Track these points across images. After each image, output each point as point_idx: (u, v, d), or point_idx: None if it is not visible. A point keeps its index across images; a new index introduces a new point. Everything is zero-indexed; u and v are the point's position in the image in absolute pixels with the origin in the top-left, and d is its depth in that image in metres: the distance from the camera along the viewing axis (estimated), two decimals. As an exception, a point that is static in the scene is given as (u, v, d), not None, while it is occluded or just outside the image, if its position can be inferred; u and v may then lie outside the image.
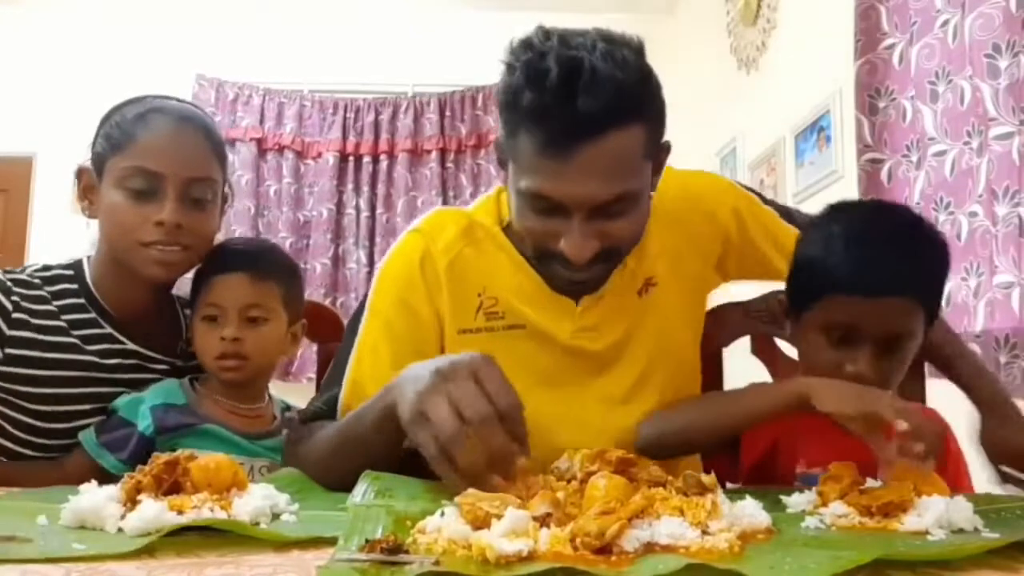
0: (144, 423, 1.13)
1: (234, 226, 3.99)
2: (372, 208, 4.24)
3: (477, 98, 4.29)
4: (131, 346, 1.21)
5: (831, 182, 2.73)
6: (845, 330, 0.99)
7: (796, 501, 0.79)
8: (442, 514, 0.63)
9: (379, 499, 0.74)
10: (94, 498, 0.70)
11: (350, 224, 4.20)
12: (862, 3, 2.23)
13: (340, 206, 4.23)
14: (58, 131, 3.87)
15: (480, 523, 0.61)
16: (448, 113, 4.30)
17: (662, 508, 0.66)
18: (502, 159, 1.01)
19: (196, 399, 1.19)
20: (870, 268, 0.98)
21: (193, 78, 4.19)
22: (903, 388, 1.21)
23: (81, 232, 1.21)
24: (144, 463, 0.76)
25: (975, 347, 1.78)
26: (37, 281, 1.18)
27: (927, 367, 1.26)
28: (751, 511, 0.68)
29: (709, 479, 0.71)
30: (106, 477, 0.92)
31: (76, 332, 1.16)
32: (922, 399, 1.28)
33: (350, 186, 4.24)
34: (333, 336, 1.33)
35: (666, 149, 1.01)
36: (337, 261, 4.19)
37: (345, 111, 4.27)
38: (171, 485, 0.73)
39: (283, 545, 0.64)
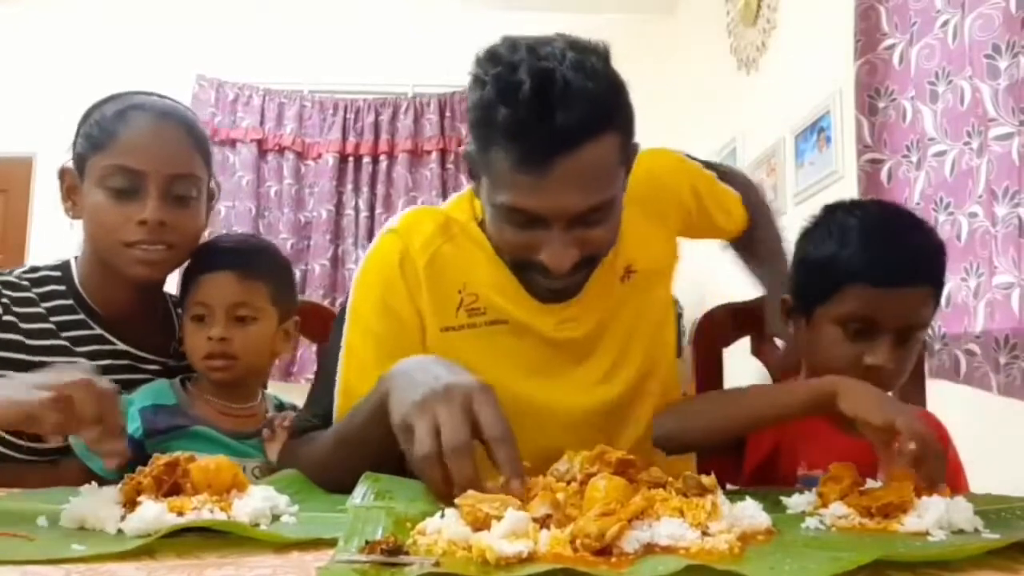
0: (133, 425, 1.12)
1: (235, 227, 3.99)
2: (372, 209, 4.24)
3: (477, 98, 4.29)
4: (122, 347, 1.20)
5: (831, 182, 2.73)
6: (864, 322, 1.01)
7: (796, 502, 0.79)
8: (442, 515, 0.63)
9: (379, 500, 0.74)
10: (94, 499, 0.70)
11: (350, 225, 4.20)
12: (862, 3, 2.23)
13: (340, 207, 4.23)
14: (58, 131, 3.85)
15: (480, 524, 0.61)
16: (448, 114, 4.30)
17: (662, 509, 0.66)
18: (472, 172, 1.01)
19: (187, 399, 1.18)
20: (890, 259, 1.00)
21: (193, 78, 4.19)
22: (903, 389, 1.21)
23: (78, 232, 1.20)
24: (134, 466, 0.76)
25: (975, 347, 1.79)
26: (25, 283, 1.17)
27: (927, 367, 1.26)
28: (751, 512, 0.68)
29: (709, 480, 0.71)
30: (104, 479, 0.91)
31: (65, 334, 1.15)
32: (922, 400, 1.28)
33: (350, 187, 4.24)
34: (333, 336, 1.33)
35: (636, 150, 1.01)
36: (336, 262, 4.19)
37: (345, 111, 4.27)
38: (171, 486, 0.73)
39: (283, 546, 0.64)
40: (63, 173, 1.19)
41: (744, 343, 1.38)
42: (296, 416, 1.14)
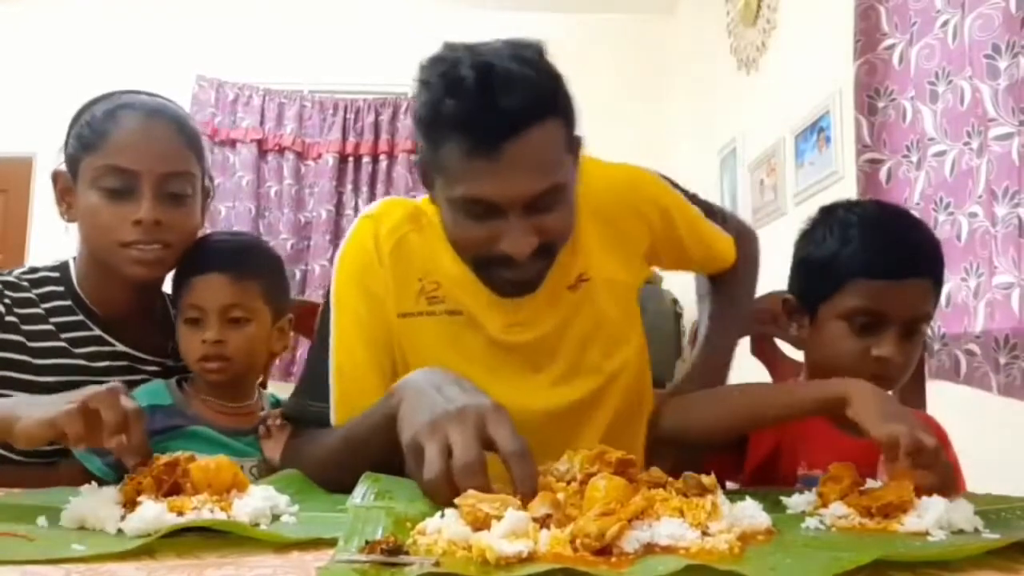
0: None
1: (235, 227, 4.00)
2: (372, 208, 4.24)
3: (477, 98, 4.29)
4: (121, 347, 1.19)
5: (831, 183, 2.74)
6: (870, 315, 1.01)
7: (796, 502, 0.79)
8: (442, 515, 0.63)
9: (379, 500, 0.74)
10: (94, 499, 0.70)
11: (349, 225, 4.19)
12: (862, 3, 2.23)
13: (340, 207, 4.23)
14: (58, 131, 3.85)
15: (480, 524, 0.61)
16: (448, 113, 4.30)
17: (662, 509, 0.66)
18: (425, 179, 1.03)
19: (183, 399, 1.18)
20: (894, 252, 1.02)
21: (193, 78, 4.20)
22: (903, 389, 1.21)
23: (76, 233, 1.19)
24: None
25: (975, 347, 1.79)
26: (25, 284, 1.17)
27: (927, 368, 1.26)
28: (751, 512, 0.68)
29: (709, 480, 0.71)
30: (103, 480, 0.91)
31: (65, 335, 1.15)
32: (922, 402, 1.28)
33: (350, 187, 4.25)
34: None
35: (580, 144, 1.03)
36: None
37: (345, 111, 4.27)
38: (171, 486, 0.73)
39: (283, 546, 0.64)
40: (56, 176, 1.18)
41: (744, 343, 1.38)
42: (286, 403, 1.13)
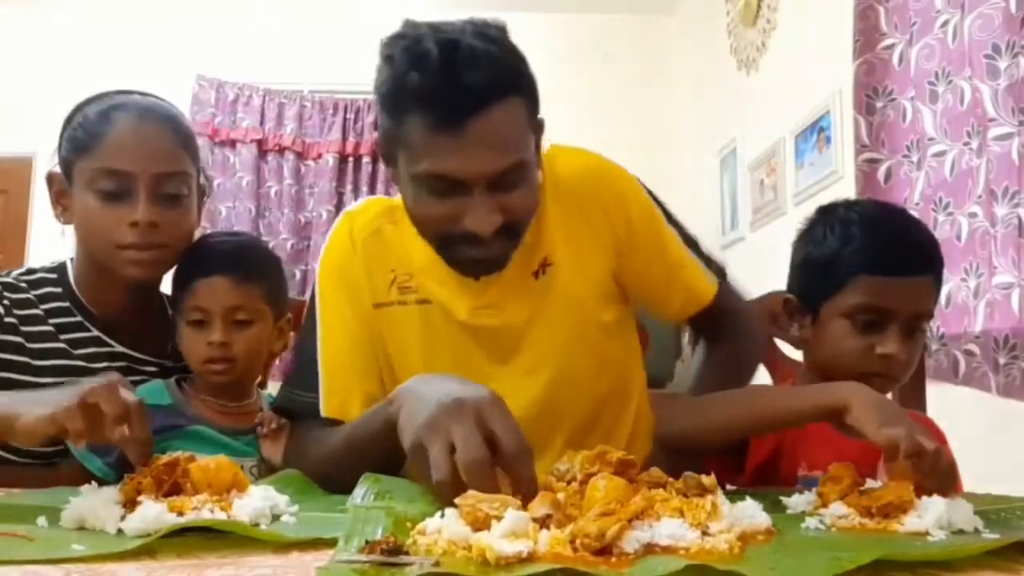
0: None
1: (236, 227, 3.99)
2: (372, 208, 4.24)
3: (477, 98, 4.29)
4: (119, 348, 1.19)
5: (831, 183, 2.74)
6: (874, 312, 1.02)
7: (796, 502, 0.79)
8: (442, 515, 0.63)
9: (379, 500, 0.74)
10: (94, 499, 0.70)
11: (349, 225, 4.20)
12: (861, 3, 2.23)
13: (340, 207, 4.22)
14: (58, 131, 3.87)
15: (480, 524, 0.61)
16: (448, 113, 4.30)
17: (662, 509, 0.66)
18: (387, 155, 1.02)
19: (183, 399, 1.18)
20: (896, 249, 1.02)
21: (193, 78, 4.19)
22: (902, 389, 1.21)
23: (73, 234, 1.19)
24: (131, 466, 0.76)
25: (974, 348, 1.79)
26: (23, 285, 1.16)
27: (926, 369, 1.26)
28: (751, 512, 0.68)
29: (709, 480, 0.71)
30: (103, 480, 0.91)
31: (64, 336, 1.15)
32: (921, 403, 1.28)
33: (350, 187, 4.24)
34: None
35: (542, 125, 1.03)
36: (336, 261, 4.19)
37: (345, 111, 4.27)
38: (171, 486, 0.73)
39: (283, 546, 0.64)
40: (51, 179, 1.17)
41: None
42: (277, 395, 1.14)
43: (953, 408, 1.17)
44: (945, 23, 1.98)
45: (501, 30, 0.97)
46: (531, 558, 0.56)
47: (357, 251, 1.10)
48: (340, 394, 1.05)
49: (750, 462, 1.05)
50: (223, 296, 1.16)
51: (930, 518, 0.68)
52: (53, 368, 1.13)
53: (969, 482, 1.04)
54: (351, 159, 4.27)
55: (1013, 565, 0.60)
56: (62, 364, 1.14)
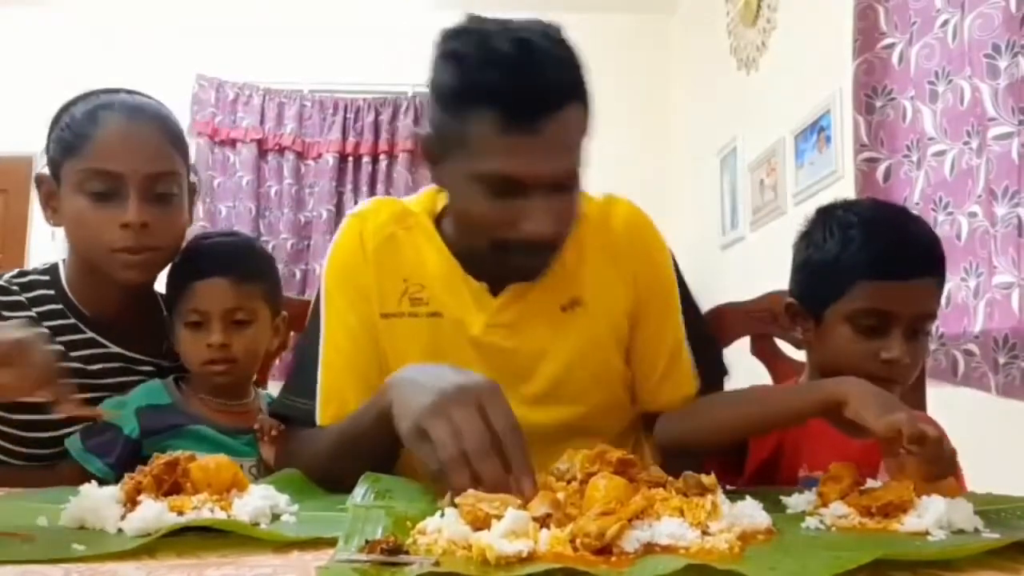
0: (129, 426, 1.12)
1: (236, 227, 3.99)
2: (372, 208, 4.24)
3: (477, 98, 4.29)
4: (115, 349, 1.18)
5: (831, 182, 2.73)
6: (877, 316, 1.01)
7: (796, 502, 0.79)
8: (442, 515, 0.63)
9: (379, 500, 0.74)
10: (94, 499, 0.70)
11: (349, 224, 4.20)
12: (861, 3, 2.23)
13: (340, 207, 4.23)
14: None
15: (480, 524, 0.61)
16: (448, 113, 4.30)
17: (662, 509, 0.66)
18: (436, 154, 1.00)
19: (181, 398, 1.18)
20: (898, 252, 1.01)
21: (193, 78, 4.19)
22: (902, 392, 1.21)
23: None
24: (132, 466, 0.76)
25: (973, 348, 1.78)
26: (15, 288, 1.15)
27: (926, 369, 1.26)
28: (751, 512, 0.68)
29: (709, 480, 0.71)
30: (103, 481, 0.91)
31: (58, 339, 1.13)
32: (922, 403, 1.28)
33: (350, 187, 4.25)
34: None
35: (590, 137, 1.03)
36: (336, 261, 4.19)
37: (345, 111, 4.27)
38: (171, 486, 0.73)
39: (283, 546, 0.64)
40: (40, 181, 1.16)
41: (744, 343, 1.38)
42: (275, 400, 1.14)
43: (953, 408, 1.17)
44: (945, 23, 1.98)
45: (563, 33, 0.96)
46: (531, 557, 0.56)
47: (368, 257, 1.07)
48: (337, 403, 1.03)
49: (750, 462, 1.05)
50: (222, 297, 1.16)
51: (930, 518, 0.68)
52: None
53: (969, 482, 1.04)
54: (351, 159, 4.26)
55: (1013, 565, 0.60)
56: (60, 367, 1.13)
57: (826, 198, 1.19)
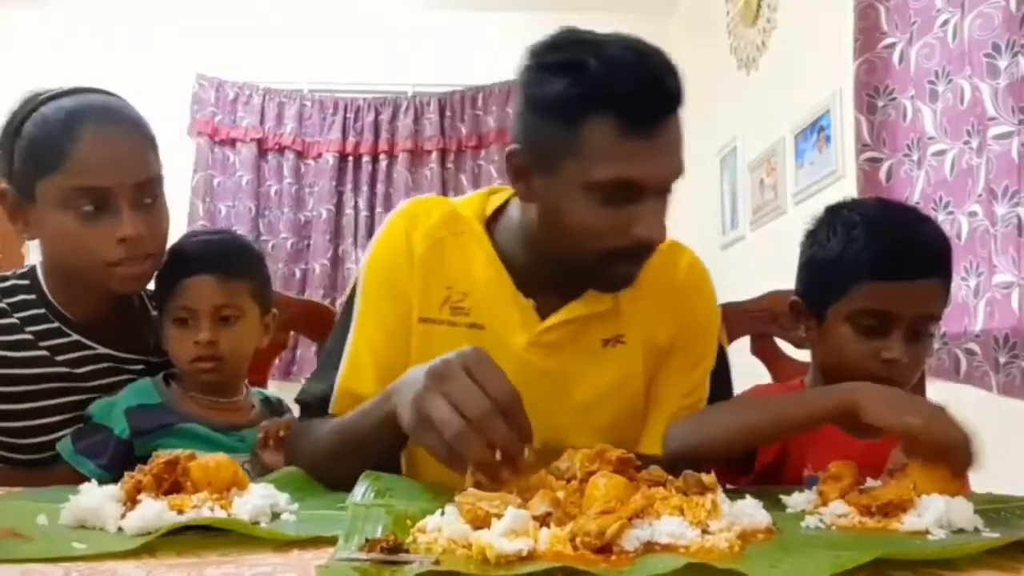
0: (119, 427, 1.11)
1: (235, 227, 3.99)
2: (372, 208, 4.25)
3: (477, 98, 4.30)
4: (102, 350, 1.16)
5: (831, 182, 2.73)
6: (878, 317, 1.01)
7: (796, 501, 0.79)
8: (442, 513, 0.63)
9: (379, 499, 0.74)
10: (94, 497, 0.70)
11: (349, 224, 4.21)
12: (861, 2, 2.23)
13: (340, 206, 4.23)
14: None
15: (480, 522, 0.61)
16: (448, 113, 4.31)
17: (662, 507, 0.66)
18: (540, 165, 0.97)
19: (172, 397, 1.17)
20: (901, 252, 1.01)
21: (193, 78, 4.20)
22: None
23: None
24: (124, 466, 0.75)
25: (974, 347, 1.79)
26: None
27: (926, 368, 1.26)
28: (751, 511, 0.68)
29: (709, 478, 0.71)
30: (98, 482, 0.91)
31: (44, 343, 1.12)
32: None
33: (350, 186, 4.25)
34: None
35: None
36: (336, 261, 4.19)
37: (345, 111, 4.27)
38: (171, 484, 0.73)
39: (283, 544, 0.64)
40: (2, 195, 1.10)
41: (744, 343, 1.38)
42: (300, 390, 1.12)
43: (953, 407, 1.16)
44: (945, 22, 1.98)
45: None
46: (531, 556, 0.57)
47: (415, 262, 1.05)
48: (352, 396, 1.00)
49: (756, 464, 1.04)
50: (209, 295, 1.15)
51: (930, 517, 0.69)
52: (38, 376, 1.11)
53: (969, 482, 1.04)
54: (351, 158, 4.27)
55: (1013, 564, 0.60)
56: (46, 371, 1.11)
57: (826, 198, 1.19)
